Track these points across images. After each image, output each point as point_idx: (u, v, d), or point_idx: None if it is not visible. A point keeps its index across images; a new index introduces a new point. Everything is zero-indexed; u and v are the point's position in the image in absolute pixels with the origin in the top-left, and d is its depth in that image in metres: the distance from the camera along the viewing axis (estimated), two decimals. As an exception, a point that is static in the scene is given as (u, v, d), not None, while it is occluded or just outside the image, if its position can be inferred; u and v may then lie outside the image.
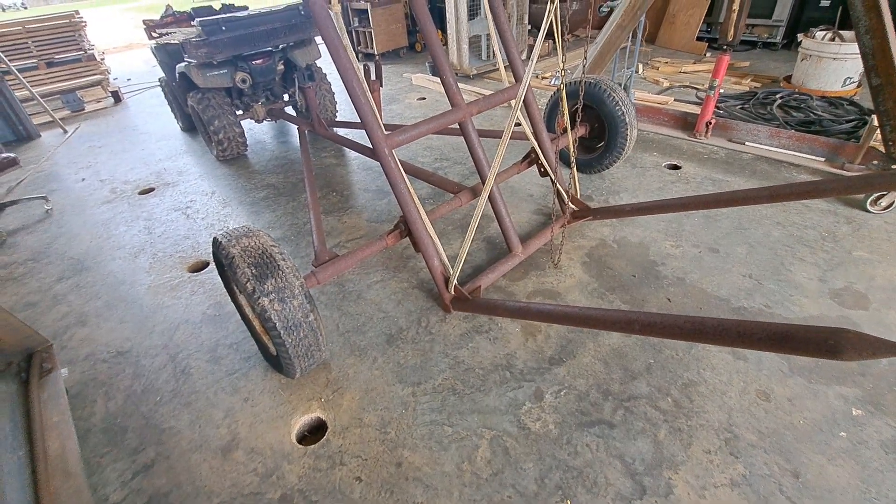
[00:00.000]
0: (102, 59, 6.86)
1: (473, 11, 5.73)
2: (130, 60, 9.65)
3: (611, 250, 2.51)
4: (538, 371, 1.84)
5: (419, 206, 2.05)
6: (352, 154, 4.01)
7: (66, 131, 5.26)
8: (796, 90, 4.12)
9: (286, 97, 4.42)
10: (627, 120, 2.85)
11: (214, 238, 1.69)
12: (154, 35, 4.33)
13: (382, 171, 1.97)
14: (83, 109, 5.98)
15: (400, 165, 2.02)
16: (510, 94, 2.38)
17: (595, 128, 3.11)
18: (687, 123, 3.31)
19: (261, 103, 4.14)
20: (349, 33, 7.05)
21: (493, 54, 6.09)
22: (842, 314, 1.99)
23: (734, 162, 3.31)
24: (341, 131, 4.14)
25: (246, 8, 4.45)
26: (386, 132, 2.01)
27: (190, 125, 4.81)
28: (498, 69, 6.12)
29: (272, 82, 4.12)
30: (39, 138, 5.15)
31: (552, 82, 5.24)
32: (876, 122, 2.99)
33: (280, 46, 3.84)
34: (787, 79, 4.51)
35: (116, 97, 6.30)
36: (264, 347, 1.95)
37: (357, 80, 1.86)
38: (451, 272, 2.07)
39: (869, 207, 2.62)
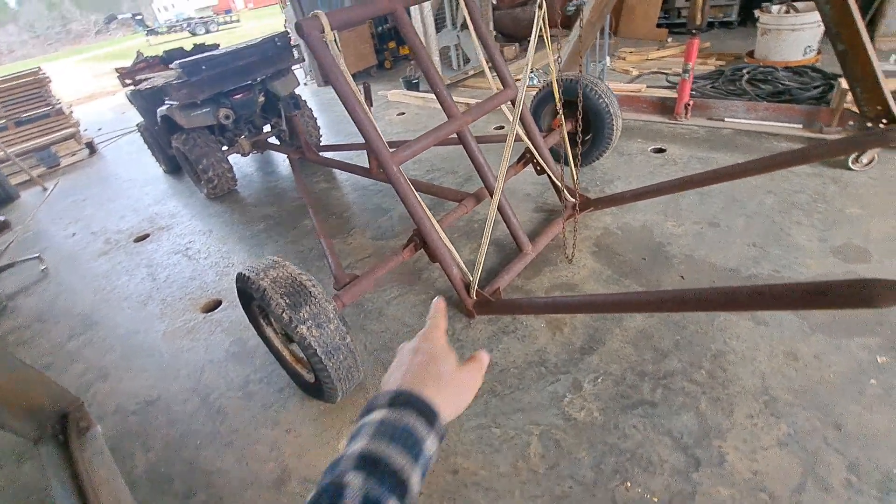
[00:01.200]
0: (71, 112, 6.76)
1: (439, 24, 5.85)
2: (97, 110, 9.54)
3: (616, 237, 2.58)
4: (571, 362, 1.88)
5: (432, 219, 2.08)
6: (343, 176, 4.03)
7: (45, 188, 5.17)
8: (761, 64, 4.30)
9: (267, 128, 4.43)
10: (612, 110, 2.94)
11: (240, 274, 1.69)
12: (128, 82, 4.30)
13: (393, 187, 2.00)
14: (59, 164, 5.88)
15: (408, 181, 2.05)
16: (501, 98, 2.44)
17: (581, 122, 3.20)
18: (665, 107, 3.43)
19: (244, 137, 4.14)
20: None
21: (463, 63, 6.21)
22: (847, 269, 2.08)
23: (715, 139, 3.44)
24: (330, 154, 4.16)
25: (217, 46, 4.46)
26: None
27: (174, 167, 4.78)
28: (470, 77, 6.25)
29: (253, 115, 4.13)
30: (19, 199, 5.05)
31: (529, 83, 5.35)
32: (844, 86, 3.15)
33: (259, 79, 3.86)
34: (750, 54, 4.71)
35: (91, 148, 6.22)
36: (298, 376, 1.95)
37: (359, 104, 1.89)
38: (472, 278, 2.10)
39: (851, 166, 2.75)
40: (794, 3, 4.34)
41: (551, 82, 3.12)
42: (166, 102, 3.68)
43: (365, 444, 0.46)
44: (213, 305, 2.68)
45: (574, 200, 2.77)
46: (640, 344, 1.90)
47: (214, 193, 4.00)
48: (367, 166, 3.12)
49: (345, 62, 1.85)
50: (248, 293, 1.73)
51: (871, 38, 4.79)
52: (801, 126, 2.91)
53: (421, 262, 2.66)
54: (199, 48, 4.34)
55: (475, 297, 2.15)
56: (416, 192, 2.06)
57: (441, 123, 2.20)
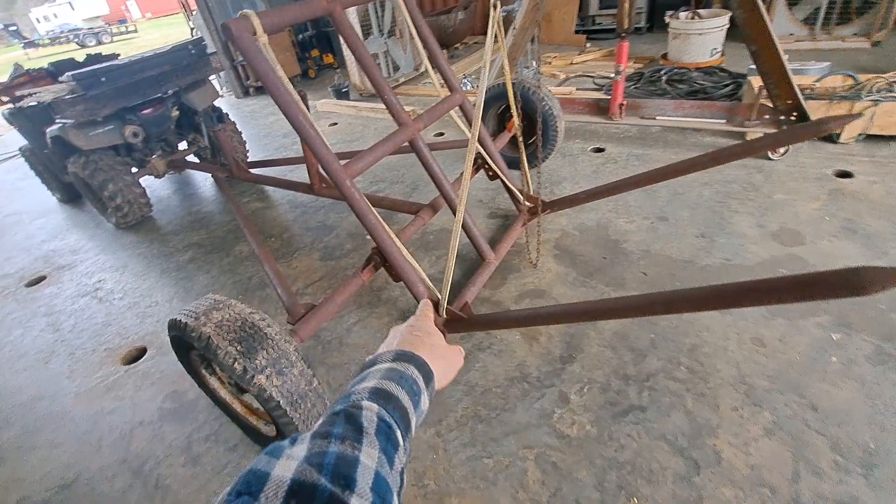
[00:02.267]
0: (-71, 138, 5.68)
1: (366, 31, 5.67)
2: (-35, 134, 8.15)
3: (574, 238, 2.57)
4: (554, 373, 1.81)
5: (393, 235, 1.92)
6: (277, 194, 3.71)
7: None
8: (675, 65, 4.62)
9: (183, 145, 3.99)
10: (555, 112, 2.96)
11: (173, 320, 1.42)
12: (5, 100, 3.66)
13: (348, 204, 1.81)
14: (-84, 201, 4.89)
15: (363, 195, 1.87)
16: (450, 104, 2.34)
17: (524, 125, 3.20)
18: (600, 108, 3.54)
19: (158, 156, 3.68)
20: (234, 68, 6.61)
21: (393, 70, 6.07)
22: (788, 252, 2.22)
23: (647, 137, 3.61)
24: (262, 171, 3.82)
25: (116, 56, 3.95)
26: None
27: (72, 195, 4.14)
28: (401, 84, 6.13)
29: (167, 132, 3.69)
30: None
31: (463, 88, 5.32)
32: (755, 83, 3.43)
33: (171, 91, 3.44)
34: (664, 56, 5.05)
35: (-40, 179, 5.25)
36: (254, 431, 1.69)
37: (303, 113, 1.69)
38: (440, 295, 1.96)
39: (770, 155, 2.99)
40: (699, 11, 4.72)
41: (497, 86, 3.10)
42: (57, 121, 3.15)
43: (376, 383, 0.50)
44: (137, 355, 2.30)
45: (529, 204, 2.75)
46: (617, 346, 1.88)
47: (125, 222, 3.51)
48: (308, 182, 2.88)
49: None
50: (184, 342, 1.46)
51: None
52: (724, 121, 3.12)
53: (379, 281, 2.48)
54: (94, 58, 3.80)
55: (445, 316, 2.02)
56: (373, 208, 1.89)
57: (392, 132, 2.05)
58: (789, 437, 1.47)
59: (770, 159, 2.98)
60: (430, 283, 2.00)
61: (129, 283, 2.89)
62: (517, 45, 3.65)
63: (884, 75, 3.07)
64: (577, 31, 6.68)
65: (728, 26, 4.61)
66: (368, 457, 0.41)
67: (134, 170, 3.61)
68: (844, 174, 2.75)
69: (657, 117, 3.34)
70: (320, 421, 0.44)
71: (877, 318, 1.81)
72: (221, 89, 7.45)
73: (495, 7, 1.71)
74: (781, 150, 2.93)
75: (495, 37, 2.00)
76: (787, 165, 2.90)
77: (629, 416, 1.61)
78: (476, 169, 2.70)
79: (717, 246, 2.34)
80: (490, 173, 2.67)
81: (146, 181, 3.80)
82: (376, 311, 2.27)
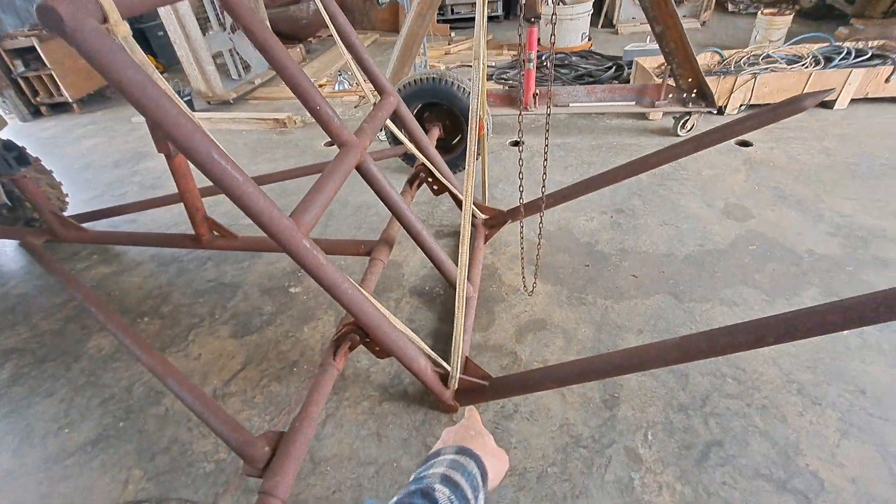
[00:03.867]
0: None
1: (204, 25, 4.60)
2: None
3: (544, 248, 2.29)
4: (607, 426, 1.50)
5: (376, 302, 1.38)
6: (132, 252, 2.70)
7: None
8: (552, 51, 4.68)
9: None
10: (485, 108, 2.64)
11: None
12: None
13: (308, 270, 1.21)
14: None
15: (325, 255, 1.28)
16: (387, 109, 1.84)
17: (447, 125, 2.82)
18: (512, 100, 3.33)
19: None
20: (11, 81, 4.84)
21: (244, 71, 5.09)
22: (746, 228, 2.26)
23: (558, 125, 3.53)
24: (103, 226, 2.73)
25: None
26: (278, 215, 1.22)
27: None
28: (258, 87, 5.17)
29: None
30: None
31: (336, 87, 4.68)
32: (643, 64, 3.57)
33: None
34: (539, 41, 5.10)
35: None
36: None
37: (201, 132, 1.01)
38: (450, 365, 1.49)
39: (679, 133, 3.11)
40: (563, -3, 4.85)
41: (412, 83, 2.63)
42: None
43: (444, 470, 0.54)
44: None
45: (484, 216, 2.39)
46: (655, 372, 1.65)
47: None
48: (191, 233, 2.07)
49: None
50: None
51: (612, 25, 5.84)
52: (633, 102, 3.17)
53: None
54: None
55: (456, 387, 1.55)
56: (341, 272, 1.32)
57: (335, 159, 1.48)
58: (863, 433, 1.40)
59: (679, 136, 3.10)
60: (432, 352, 1.52)
61: None
62: (414, 34, 3.22)
63: (743, 50, 3.44)
64: (437, 21, 6.46)
65: (592, 12, 4.84)
66: None
67: None
68: (744, 143, 2.98)
69: (570, 104, 3.26)
70: (396, 498, 0.51)
71: (849, 282, 1.90)
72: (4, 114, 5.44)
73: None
74: (689, 125, 3.07)
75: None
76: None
77: (711, 458, 1.38)
78: (419, 183, 2.24)
79: (683, 232, 2.29)
80: (435, 187, 2.23)
81: None
82: (348, 399, 1.69)
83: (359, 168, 1.62)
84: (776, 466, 1.35)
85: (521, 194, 1.80)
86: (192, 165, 1.16)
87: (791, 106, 1.75)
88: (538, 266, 1.87)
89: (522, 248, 1.88)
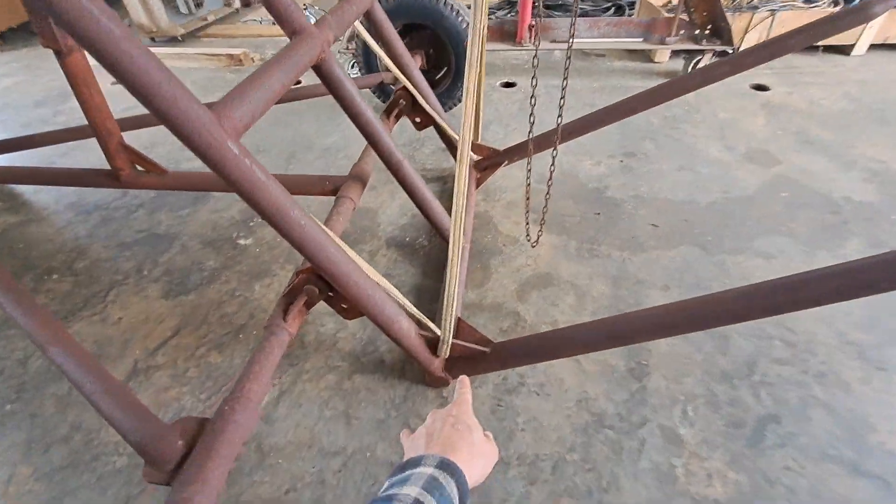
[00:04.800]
0: None
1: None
2: None
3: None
4: (635, 399, 1.21)
5: (343, 244, 1.01)
6: (46, 195, 2.21)
7: None
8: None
9: None
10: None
11: None
12: None
13: (237, 189, 0.81)
14: None
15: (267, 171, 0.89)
16: (360, 3, 1.42)
17: (431, 54, 2.40)
18: (504, 33, 2.92)
19: None
20: None
21: (195, 6, 4.42)
22: (774, 174, 1.97)
23: (554, 65, 3.16)
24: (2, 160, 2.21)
25: None
26: (202, 108, 0.81)
27: None
28: (211, 24, 4.53)
29: None
30: None
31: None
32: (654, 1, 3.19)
33: None
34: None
35: None
36: None
37: (118, 22, 0.61)
38: (443, 328, 1.15)
39: (689, 72, 2.78)
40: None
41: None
42: None
43: (419, 494, 0.48)
44: None
45: (477, 157, 2.03)
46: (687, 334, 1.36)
47: None
48: (107, 167, 1.62)
49: None
50: None
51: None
52: (641, 39, 2.81)
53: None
54: None
55: (446, 355, 1.22)
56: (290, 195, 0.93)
57: (286, 47, 1.06)
58: (944, 403, 1.16)
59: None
60: (417, 311, 1.17)
61: None
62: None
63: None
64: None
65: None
66: None
67: None
68: (760, 87, 2.68)
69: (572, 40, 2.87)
70: None
71: (895, 232, 1.65)
72: None
73: None
74: (701, 65, 2.75)
75: None
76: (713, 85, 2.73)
77: (768, 437, 1.11)
78: (397, 115, 1.83)
79: (702, 177, 1.99)
80: (418, 119, 1.84)
81: None
82: (307, 369, 1.33)
83: (318, 69, 1.21)
84: (845, 445, 1.09)
85: (532, 119, 1.43)
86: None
87: (857, 14, 1.44)
88: (546, 209, 1.52)
89: (528, 185, 1.53)
